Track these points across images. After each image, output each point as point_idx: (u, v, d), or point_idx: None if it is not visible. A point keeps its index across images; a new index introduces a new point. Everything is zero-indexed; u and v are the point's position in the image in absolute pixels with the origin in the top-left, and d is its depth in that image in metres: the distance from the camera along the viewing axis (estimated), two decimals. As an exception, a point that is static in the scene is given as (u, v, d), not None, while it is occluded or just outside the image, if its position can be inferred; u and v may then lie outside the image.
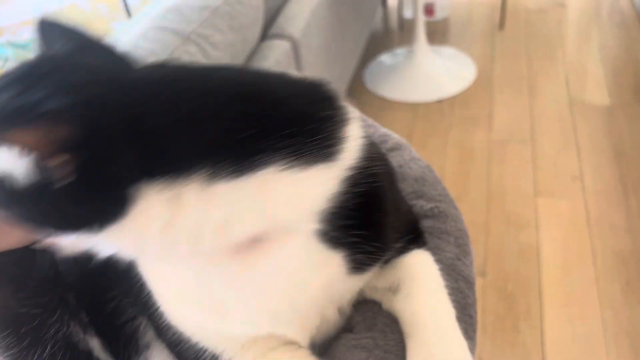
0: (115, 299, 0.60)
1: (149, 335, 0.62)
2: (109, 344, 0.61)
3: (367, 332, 0.58)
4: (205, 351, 0.54)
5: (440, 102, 2.41)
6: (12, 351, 0.54)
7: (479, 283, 1.65)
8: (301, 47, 1.62)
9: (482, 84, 2.48)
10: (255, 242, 0.47)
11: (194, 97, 0.42)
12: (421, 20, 2.44)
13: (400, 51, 2.72)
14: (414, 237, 0.63)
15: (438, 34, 2.89)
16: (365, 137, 0.52)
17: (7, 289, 0.55)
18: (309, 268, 0.50)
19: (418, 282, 0.58)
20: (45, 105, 0.35)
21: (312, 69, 1.73)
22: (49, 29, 0.49)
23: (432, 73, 2.52)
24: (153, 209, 0.40)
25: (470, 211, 1.88)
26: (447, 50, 2.68)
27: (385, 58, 2.71)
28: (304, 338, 0.56)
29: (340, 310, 0.59)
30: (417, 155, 0.79)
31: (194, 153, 0.41)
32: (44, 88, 0.36)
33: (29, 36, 1.55)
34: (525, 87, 2.43)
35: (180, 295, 0.52)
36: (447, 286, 0.59)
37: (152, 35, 1.21)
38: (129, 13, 1.80)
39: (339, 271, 0.52)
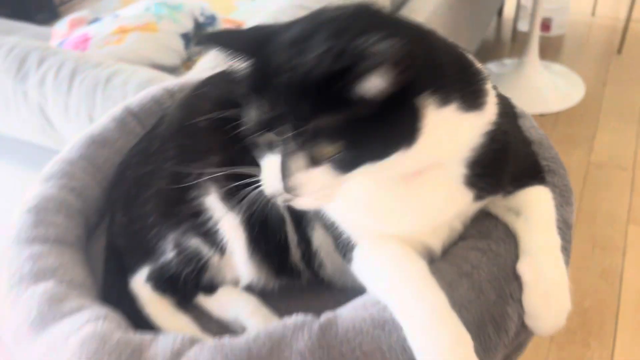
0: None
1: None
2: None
3: (484, 240, 0.72)
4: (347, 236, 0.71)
5: (542, 116, 2.41)
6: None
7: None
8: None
9: (589, 105, 2.45)
10: (420, 173, 0.64)
11: (446, 48, 0.64)
12: (536, 33, 2.45)
13: (508, 61, 2.73)
14: (535, 175, 0.77)
15: (551, 49, 2.86)
16: (498, 95, 0.68)
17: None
18: (450, 198, 0.67)
19: (537, 211, 0.73)
20: (382, 47, 0.49)
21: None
22: None
23: (538, 87, 2.52)
24: (437, 122, 0.56)
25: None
26: (557, 67, 2.66)
27: (492, 66, 2.73)
28: (436, 243, 0.73)
29: (463, 222, 0.75)
30: (536, 124, 0.92)
31: (452, 81, 0.59)
32: (371, 33, 0.50)
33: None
34: (637, 114, 2.38)
35: (354, 202, 0.67)
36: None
37: (290, 12, 1.36)
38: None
39: (469, 202, 0.69)
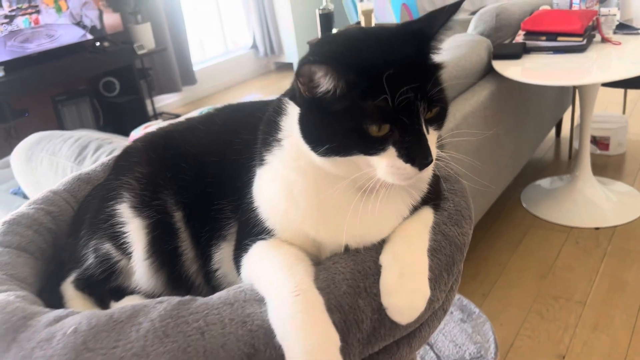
0: (220, 204, 0.87)
1: (230, 231, 0.86)
2: (196, 223, 0.89)
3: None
4: (265, 226, 0.79)
5: (597, 230, 2.31)
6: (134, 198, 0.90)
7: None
8: (445, 145, 1.77)
9: (650, 221, 2.33)
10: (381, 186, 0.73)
11: None
12: (587, 148, 2.44)
13: (564, 177, 2.70)
14: (433, 200, 0.85)
15: (611, 167, 2.81)
16: None
17: (149, 169, 0.91)
18: (398, 215, 0.79)
19: (409, 220, 0.80)
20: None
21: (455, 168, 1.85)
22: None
23: (593, 200, 2.46)
24: None
25: (611, 341, 1.75)
26: (617, 184, 2.60)
27: (546, 181, 2.72)
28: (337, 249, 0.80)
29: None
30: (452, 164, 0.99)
31: None
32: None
33: None
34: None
35: (293, 201, 0.77)
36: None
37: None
38: None
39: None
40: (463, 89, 2.05)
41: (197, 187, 0.89)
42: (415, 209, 0.80)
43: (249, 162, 0.83)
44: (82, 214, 0.99)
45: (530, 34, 2.30)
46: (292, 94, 0.74)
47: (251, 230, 0.80)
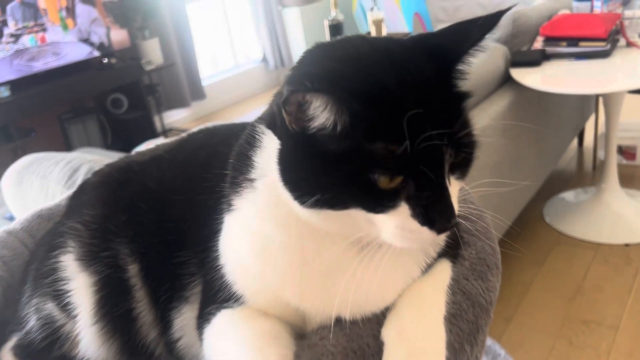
0: (183, 256, 0.71)
1: (194, 292, 0.71)
2: (154, 280, 0.74)
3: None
4: (233, 291, 0.64)
5: (627, 246, 2.16)
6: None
7: None
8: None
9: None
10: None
11: None
12: (614, 158, 2.30)
13: (589, 189, 2.56)
14: (449, 251, 0.70)
15: (638, 178, 2.66)
16: None
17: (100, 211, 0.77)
18: (406, 278, 0.64)
19: (419, 280, 0.64)
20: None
21: (472, 184, 1.74)
22: None
23: (621, 214, 2.31)
24: None
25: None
26: (646, 196, 2.45)
27: (570, 195, 2.57)
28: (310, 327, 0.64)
29: None
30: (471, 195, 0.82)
31: None
32: None
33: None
34: None
35: (273, 261, 0.61)
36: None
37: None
38: None
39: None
40: (479, 99, 1.94)
41: (156, 234, 0.74)
42: (429, 266, 0.65)
43: (219, 204, 0.67)
44: (30, 262, 0.86)
45: (549, 40, 2.18)
46: (270, 121, 0.58)
47: (216, 295, 0.65)
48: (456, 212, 0.54)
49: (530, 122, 2.19)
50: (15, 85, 3.41)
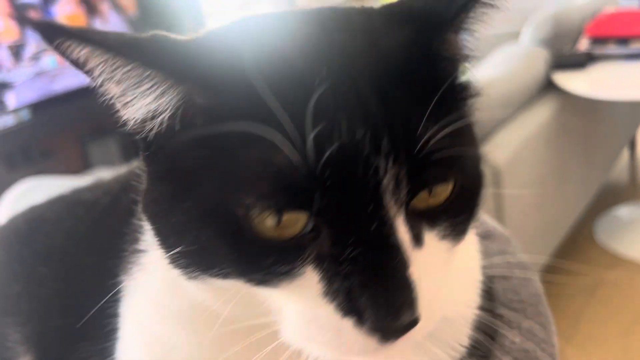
0: (82, 350, 0.50)
1: None
2: None
3: None
4: None
5: (695, 270, 1.91)
6: None
7: None
8: (504, 177, 1.46)
9: None
10: None
11: None
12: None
13: (645, 205, 2.31)
14: None
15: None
16: None
17: None
18: None
19: None
20: None
21: (515, 205, 1.54)
22: None
23: (685, 234, 2.05)
24: None
25: None
26: None
27: (624, 211, 2.32)
28: None
29: None
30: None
31: None
32: None
33: None
34: None
35: None
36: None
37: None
38: None
39: None
40: (518, 108, 1.74)
41: (56, 313, 0.54)
42: None
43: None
44: None
45: (596, 41, 1.97)
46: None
47: None
48: (431, 302, 0.32)
49: (575, 131, 1.99)
50: (35, 107, 3.38)
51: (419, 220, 0.34)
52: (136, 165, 0.68)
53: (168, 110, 0.34)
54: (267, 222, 0.31)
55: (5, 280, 0.59)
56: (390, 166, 0.31)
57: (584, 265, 2.07)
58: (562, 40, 2.03)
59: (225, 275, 0.34)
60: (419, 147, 0.31)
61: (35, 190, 1.47)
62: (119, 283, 0.47)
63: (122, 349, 0.47)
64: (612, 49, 1.94)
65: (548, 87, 1.90)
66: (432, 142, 0.32)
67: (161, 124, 0.35)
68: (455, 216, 0.35)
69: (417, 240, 0.33)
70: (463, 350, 0.43)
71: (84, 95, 3.50)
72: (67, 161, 3.63)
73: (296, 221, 0.31)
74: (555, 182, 1.83)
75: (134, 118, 0.36)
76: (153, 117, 0.35)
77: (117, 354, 0.47)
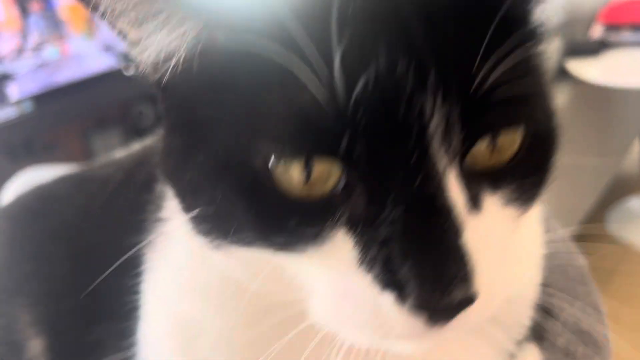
0: (98, 332, 0.48)
1: None
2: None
3: None
4: None
5: None
6: None
7: None
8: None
9: None
10: None
11: None
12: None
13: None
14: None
15: None
16: None
17: None
18: None
19: None
20: None
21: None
22: None
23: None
24: None
25: None
26: None
27: (636, 202, 2.29)
28: None
29: None
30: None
31: None
32: None
33: None
34: None
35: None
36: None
37: None
38: None
39: None
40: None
41: (68, 294, 0.50)
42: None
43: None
44: None
45: (609, 27, 1.93)
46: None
47: None
48: (480, 268, 0.26)
49: (587, 120, 1.98)
50: (38, 99, 3.36)
51: (478, 180, 0.28)
52: (150, 141, 0.65)
53: (183, 48, 0.30)
54: (293, 177, 0.26)
55: (14, 260, 0.56)
56: (440, 106, 0.25)
57: (595, 256, 2.04)
58: (575, 27, 2.00)
59: (247, 243, 0.30)
60: (476, 82, 0.25)
61: (38, 180, 1.45)
62: (139, 257, 0.44)
63: (145, 330, 0.44)
64: (626, 36, 1.90)
65: (560, 75, 1.87)
66: (492, 76, 0.25)
67: (177, 64, 0.31)
68: (524, 177, 0.30)
69: (475, 203, 0.28)
70: (524, 332, 0.39)
71: (87, 87, 3.47)
72: (70, 153, 3.60)
73: (327, 177, 0.26)
74: (566, 174, 1.80)
75: (148, 56, 0.32)
76: (168, 57, 0.31)
77: (138, 334, 0.44)
